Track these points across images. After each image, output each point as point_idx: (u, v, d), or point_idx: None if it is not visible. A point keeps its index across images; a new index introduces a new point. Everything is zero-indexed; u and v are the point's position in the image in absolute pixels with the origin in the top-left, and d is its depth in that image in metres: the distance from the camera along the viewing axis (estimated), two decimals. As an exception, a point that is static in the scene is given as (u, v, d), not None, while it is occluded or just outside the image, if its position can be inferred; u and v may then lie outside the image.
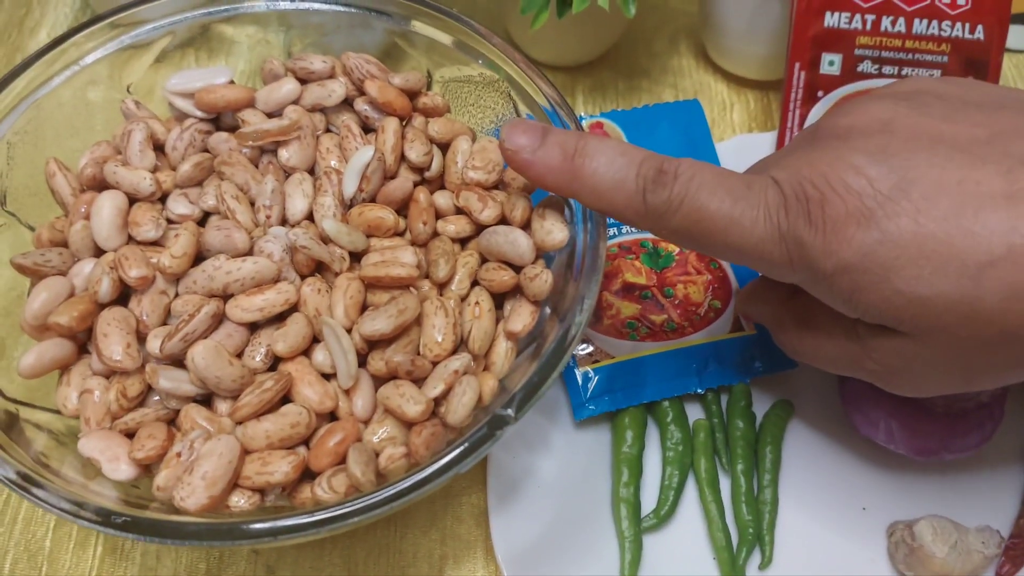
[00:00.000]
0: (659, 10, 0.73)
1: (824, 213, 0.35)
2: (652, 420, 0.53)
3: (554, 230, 0.44)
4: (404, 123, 0.50)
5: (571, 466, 0.51)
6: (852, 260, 0.35)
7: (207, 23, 0.52)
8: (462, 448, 0.36)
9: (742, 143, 0.62)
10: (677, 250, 0.57)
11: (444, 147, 0.50)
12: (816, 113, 0.59)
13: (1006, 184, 0.34)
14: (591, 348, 0.53)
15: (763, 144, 0.61)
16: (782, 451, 0.53)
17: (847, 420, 0.53)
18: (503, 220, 0.46)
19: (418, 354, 0.43)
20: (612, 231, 0.58)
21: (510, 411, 0.37)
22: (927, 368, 0.38)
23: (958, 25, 0.57)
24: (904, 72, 0.58)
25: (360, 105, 0.49)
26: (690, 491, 0.52)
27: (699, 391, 0.53)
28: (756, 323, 0.55)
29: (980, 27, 0.57)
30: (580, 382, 0.52)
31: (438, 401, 0.41)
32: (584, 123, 0.62)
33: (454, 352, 0.43)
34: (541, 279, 0.43)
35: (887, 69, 0.58)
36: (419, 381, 0.42)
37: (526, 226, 0.45)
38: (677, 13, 0.73)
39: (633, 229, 0.58)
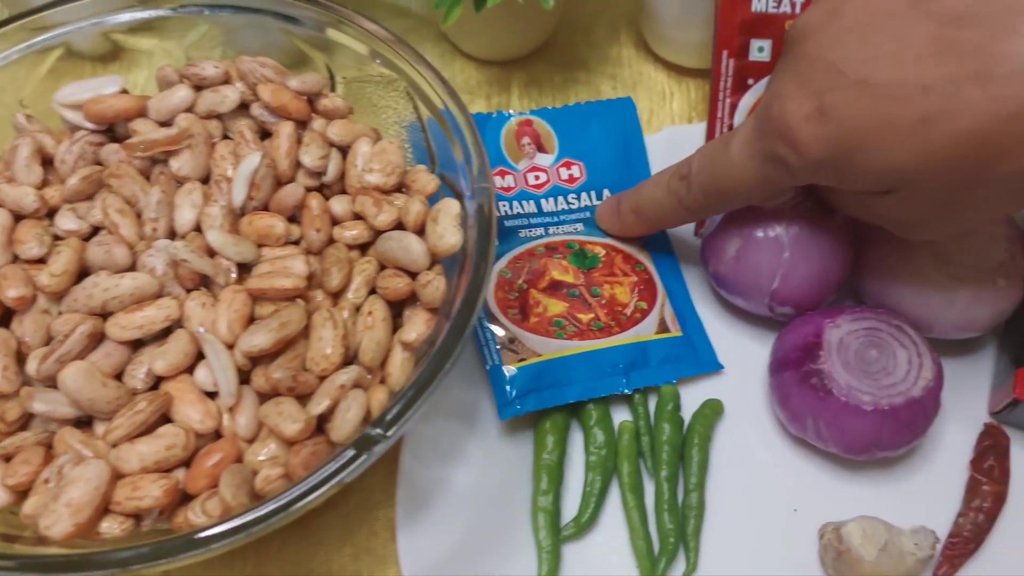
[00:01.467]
0: (599, -2, 0.71)
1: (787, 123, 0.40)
2: (578, 424, 0.52)
3: (446, 234, 0.42)
4: (303, 126, 0.48)
5: (490, 475, 0.49)
6: (821, 156, 0.40)
7: (109, 31, 0.51)
8: (323, 474, 0.35)
9: (672, 136, 0.60)
10: (603, 252, 0.55)
11: (346, 150, 0.48)
12: (747, 102, 0.57)
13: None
14: (518, 346, 0.51)
15: (692, 136, 0.59)
16: (711, 453, 0.51)
17: (778, 419, 0.51)
18: (400, 225, 0.45)
19: (305, 368, 0.41)
20: (539, 231, 0.56)
21: (379, 430, 0.36)
22: (923, 214, 0.42)
23: (892, 3, 0.55)
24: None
25: (256, 110, 0.48)
26: (615, 497, 0.50)
27: (626, 391, 0.51)
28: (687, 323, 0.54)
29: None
30: (505, 381, 0.51)
31: (325, 417, 0.40)
32: (512, 120, 0.60)
33: (345, 365, 0.42)
34: (433, 286, 0.42)
35: (819, 52, 0.56)
36: (306, 397, 0.41)
37: (422, 231, 0.44)
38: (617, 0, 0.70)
39: (560, 230, 0.56)
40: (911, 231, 0.44)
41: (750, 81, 0.57)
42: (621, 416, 0.52)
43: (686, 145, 0.59)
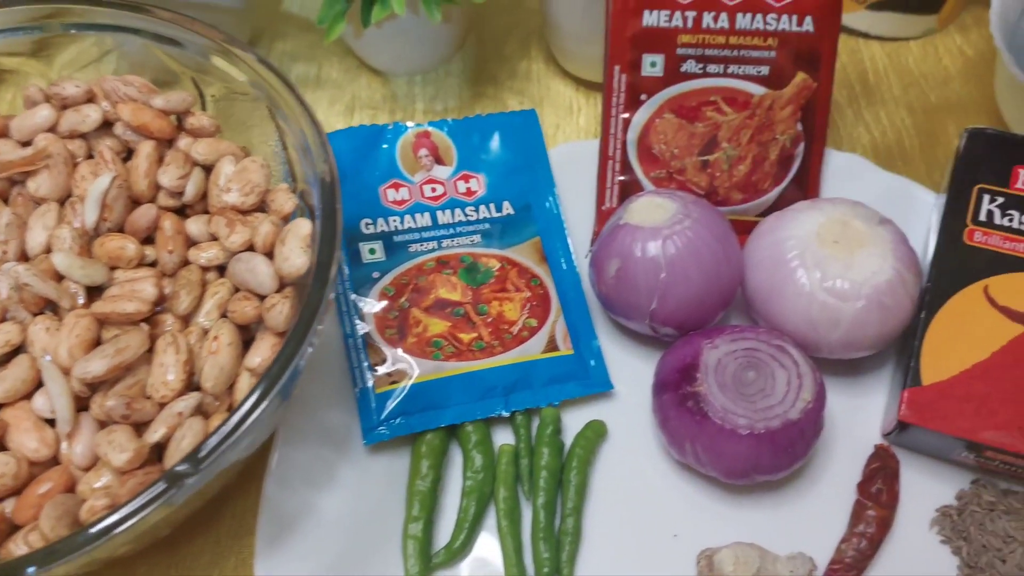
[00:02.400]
0: (512, 11, 0.70)
1: None
2: (458, 446, 0.51)
3: (292, 256, 0.41)
4: (170, 145, 0.47)
5: (361, 501, 0.48)
6: None
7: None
8: (123, 514, 0.33)
9: (568, 152, 0.59)
10: (498, 265, 0.55)
11: (212, 169, 0.47)
12: (640, 118, 0.56)
13: None
14: (391, 368, 0.50)
15: (587, 152, 0.57)
16: (592, 477, 0.50)
17: (662, 444, 0.50)
18: (254, 247, 0.44)
19: (146, 395, 0.40)
20: (432, 244, 0.55)
21: (186, 466, 0.34)
22: None
23: (784, 18, 0.54)
24: (730, 70, 0.55)
25: (119, 129, 0.47)
26: (492, 523, 0.49)
27: (504, 414, 0.50)
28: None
29: (808, 18, 0.54)
30: (373, 404, 0.50)
31: (164, 447, 0.39)
32: (410, 132, 0.59)
33: (188, 391, 0.41)
34: (277, 309, 0.41)
35: (712, 68, 0.55)
36: (147, 424, 0.40)
37: (272, 253, 0.43)
38: (531, 13, 0.69)
39: (455, 243, 0.55)
40: None
41: (643, 96, 0.56)
42: (503, 438, 0.51)
43: (583, 161, 0.58)
